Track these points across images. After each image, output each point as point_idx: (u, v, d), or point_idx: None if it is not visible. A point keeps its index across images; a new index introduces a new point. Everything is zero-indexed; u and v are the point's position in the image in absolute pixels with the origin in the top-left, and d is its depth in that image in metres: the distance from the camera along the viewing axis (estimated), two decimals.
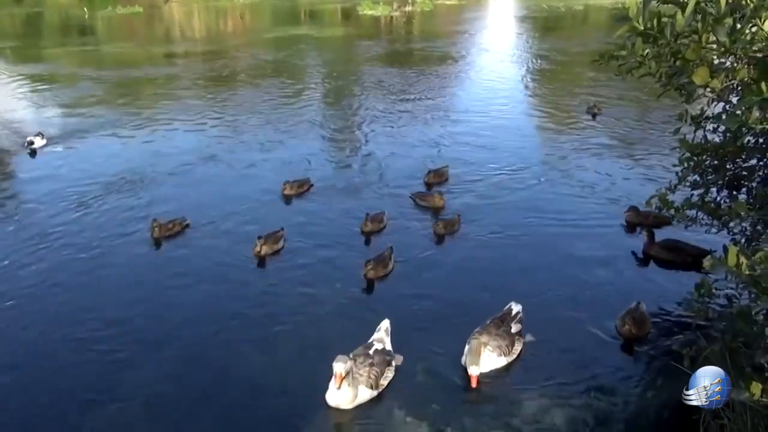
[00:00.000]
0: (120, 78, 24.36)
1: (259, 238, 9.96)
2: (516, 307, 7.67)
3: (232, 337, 7.90)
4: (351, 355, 6.80)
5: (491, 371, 7.13)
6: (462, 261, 9.88)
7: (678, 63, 4.79)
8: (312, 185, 12.81)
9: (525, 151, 15.43)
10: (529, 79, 24.39)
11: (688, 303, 6.36)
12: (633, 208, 10.85)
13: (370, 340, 7.16)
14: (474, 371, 6.79)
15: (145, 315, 8.44)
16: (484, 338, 7.10)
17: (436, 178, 13.04)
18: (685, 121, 6.46)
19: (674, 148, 6.92)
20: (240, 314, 8.42)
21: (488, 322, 7.43)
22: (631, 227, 10.85)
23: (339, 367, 6.30)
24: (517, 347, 7.36)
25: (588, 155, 14.80)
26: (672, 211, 7.25)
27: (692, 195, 7.08)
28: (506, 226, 11.06)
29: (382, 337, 7.22)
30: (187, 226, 11.01)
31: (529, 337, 7.60)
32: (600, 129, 17.12)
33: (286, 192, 12.38)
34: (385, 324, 7.37)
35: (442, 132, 16.97)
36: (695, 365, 5.83)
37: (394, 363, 6.96)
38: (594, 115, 18.16)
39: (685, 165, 6.70)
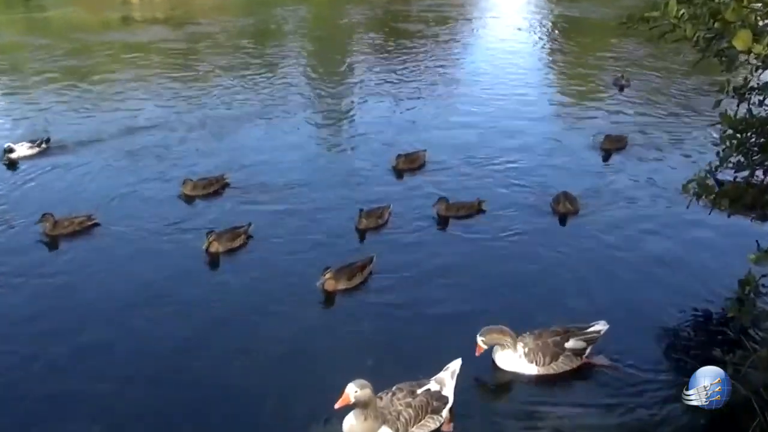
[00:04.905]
0: (71, 48, 24.20)
1: (209, 233, 9.91)
2: (597, 326, 7.68)
3: (160, 353, 7.78)
4: (394, 388, 6.72)
5: (521, 375, 7.35)
6: (467, 263, 9.83)
7: (717, 25, 4.84)
8: (226, 184, 12.24)
9: (543, 130, 15.52)
10: (545, 47, 24.46)
11: (732, 302, 6.46)
12: (607, 137, 14.09)
13: (432, 378, 6.88)
14: (479, 341, 7.25)
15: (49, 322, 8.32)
16: (526, 339, 7.41)
17: (407, 164, 13.00)
18: (727, 92, 6.51)
19: (714, 124, 6.96)
20: (174, 325, 8.29)
21: (549, 328, 7.60)
22: (606, 153, 13.76)
23: (350, 388, 6.17)
24: (560, 365, 7.43)
25: (618, 134, 14.82)
26: (712, 197, 7.30)
27: (735, 178, 7.11)
28: (522, 220, 11.10)
29: (444, 378, 6.85)
30: (95, 223, 10.79)
31: (601, 359, 7.64)
32: (629, 103, 17.23)
33: (187, 192, 11.76)
34: (455, 365, 6.94)
35: (443, 110, 17.07)
36: (739, 373, 5.94)
37: (444, 413, 6.69)
38: (622, 88, 18.24)
39: (727, 143, 6.71)
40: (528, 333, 7.54)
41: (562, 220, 11.04)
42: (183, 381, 7.35)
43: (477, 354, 7.25)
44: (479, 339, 7.26)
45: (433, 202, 11.13)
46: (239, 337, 8.06)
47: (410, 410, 6.49)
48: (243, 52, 23.58)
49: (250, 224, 10.44)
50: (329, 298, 8.84)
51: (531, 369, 7.38)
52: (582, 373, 7.52)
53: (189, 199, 11.79)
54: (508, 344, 7.37)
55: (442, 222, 10.95)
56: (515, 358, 7.38)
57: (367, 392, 6.16)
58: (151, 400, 7.06)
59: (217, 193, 12.04)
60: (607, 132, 14.32)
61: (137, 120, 16.18)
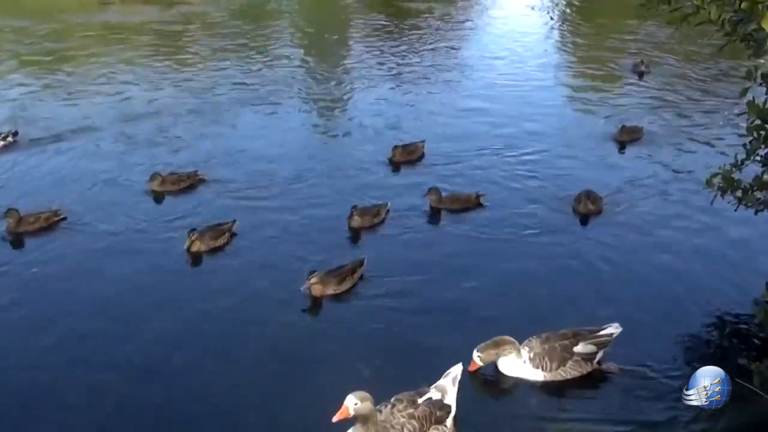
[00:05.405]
0: (47, 30, 24.17)
1: (191, 231, 9.87)
2: (609, 329, 7.66)
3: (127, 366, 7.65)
4: (393, 399, 6.69)
5: (526, 382, 7.34)
6: (470, 264, 9.75)
7: (744, 6, 4.80)
8: (201, 180, 12.16)
9: (555, 120, 15.46)
10: (558, 29, 24.41)
11: (758, 307, 6.44)
12: (623, 128, 14.12)
13: (431, 386, 6.90)
14: (475, 357, 7.30)
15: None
16: (532, 343, 7.43)
17: (405, 155, 13.01)
18: (754, 79, 6.47)
19: (741, 114, 6.93)
20: (148, 329, 8.22)
21: (559, 331, 7.60)
22: (621, 145, 13.87)
23: (349, 400, 6.09)
24: (569, 370, 7.42)
25: (634, 125, 14.79)
26: (738, 193, 7.26)
27: (764, 172, 7.09)
28: (530, 218, 11.02)
29: (445, 385, 6.87)
30: (62, 219, 10.77)
31: (610, 366, 7.62)
32: (649, 91, 17.18)
33: (155, 188, 11.75)
34: (456, 370, 6.99)
35: (447, 96, 17.04)
36: None
37: (448, 422, 6.70)
38: (641, 74, 18.20)
39: (755, 135, 6.69)
40: (535, 337, 7.52)
41: (584, 221, 10.94)
42: (162, 394, 7.27)
43: (470, 370, 7.24)
44: (476, 354, 7.27)
45: (424, 193, 11.06)
46: (223, 346, 8.00)
47: (414, 422, 6.46)
48: (235, 34, 23.52)
49: (234, 221, 10.39)
50: (317, 303, 8.77)
51: (537, 375, 7.35)
52: (592, 379, 7.47)
53: (158, 196, 11.69)
54: (510, 351, 7.35)
55: (435, 215, 10.87)
56: (519, 364, 7.37)
57: (367, 404, 6.11)
58: (129, 415, 6.99)
59: (189, 189, 11.91)
60: (625, 122, 14.25)
61: (117, 108, 16.16)
